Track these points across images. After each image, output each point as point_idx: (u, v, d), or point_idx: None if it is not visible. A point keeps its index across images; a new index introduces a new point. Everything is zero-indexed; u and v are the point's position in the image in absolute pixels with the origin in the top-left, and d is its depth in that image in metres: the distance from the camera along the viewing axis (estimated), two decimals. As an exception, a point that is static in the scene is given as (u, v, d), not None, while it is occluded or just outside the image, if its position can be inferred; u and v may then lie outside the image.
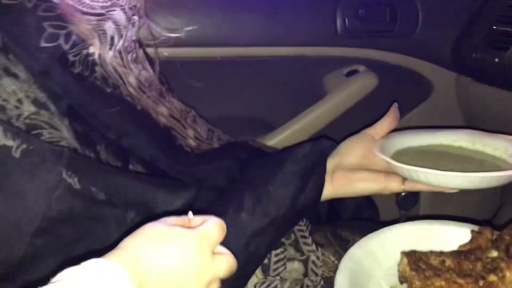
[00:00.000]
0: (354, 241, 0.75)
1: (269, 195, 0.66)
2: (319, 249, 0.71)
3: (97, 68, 0.65)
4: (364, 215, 0.89)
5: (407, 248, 0.68)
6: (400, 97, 0.90)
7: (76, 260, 0.43)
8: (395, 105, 0.80)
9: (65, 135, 0.56)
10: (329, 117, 1.12)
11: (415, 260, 0.63)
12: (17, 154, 0.50)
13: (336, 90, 1.13)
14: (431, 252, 0.65)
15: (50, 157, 0.51)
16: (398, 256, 0.67)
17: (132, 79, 0.71)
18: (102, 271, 0.42)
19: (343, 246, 0.74)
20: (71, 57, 0.61)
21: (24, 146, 0.50)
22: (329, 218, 0.87)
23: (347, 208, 0.88)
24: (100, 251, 0.46)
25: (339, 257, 0.73)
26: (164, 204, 0.63)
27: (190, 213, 0.51)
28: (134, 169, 0.65)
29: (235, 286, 0.60)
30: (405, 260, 0.64)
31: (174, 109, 0.80)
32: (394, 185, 0.72)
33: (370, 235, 0.70)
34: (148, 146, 0.67)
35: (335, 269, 0.71)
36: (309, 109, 1.12)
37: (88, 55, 0.63)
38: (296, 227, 0.72)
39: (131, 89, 0.70)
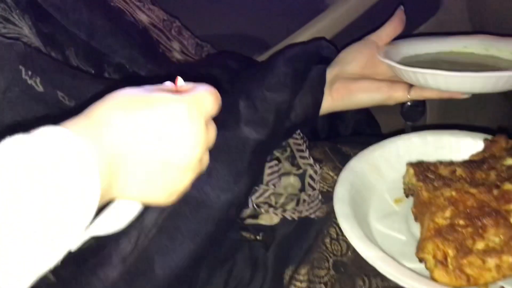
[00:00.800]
0: (355, 155, 0.69)
1: (264, 100, 0.60)
2: (317, 164, 0.65)
3: None
4: (366, 132, 0.83)
5: (414, 160, 0.63)
6: (405, 12, 0.82)
7: None
8: (401, 8, 0.72)
9: (26, 32, 0.49)
10: (329, 33, 1.03)
11: (423, 170, 0.57)
12: None
13: (336, 4, 1.03)
14: (440, 162, 0.59)
15: (5, 53, 0.44)
16: (403, 169, 0.61)
17: None
18: (56, 142, 0.32)
19: (343, 161, 0.68)
20: None
21: None
22: (328, 135, 0.81)
23: (347, 125, 0.81)
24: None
25: (339, 173, 0.67)
26: None
27: (180, 78, 0.42)
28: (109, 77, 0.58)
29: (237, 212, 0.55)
30: (412, 171, 0.58)
31: (155, 17, 0.72)
32: (399, 94, 0.65)
33: (372, 147, 0.64)
34: (125, 48, 0.60)
35: (334, 184, 0.66)
36: (307, 25, 1.02)
37: None
38: (292, 140, 0.65)
39: None
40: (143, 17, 0.70)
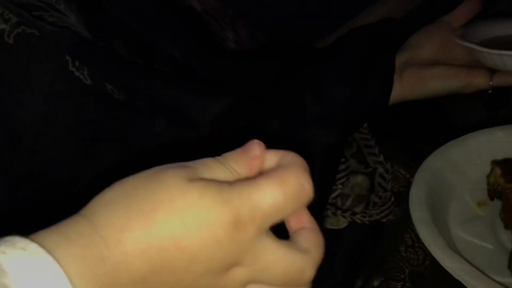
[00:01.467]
0: (429, 153, 0.62)
1: (332, 95, 0.54)
2: (388, 161, 0.58)
3: None
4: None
5: (498, 157, 0.55)
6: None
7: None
8: None
9: (73, 21, 0.45)
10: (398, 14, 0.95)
11: (511, 169, 0.50)
12: (10, 40, 0.40)
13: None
14: None
15: (52, 43, 0.41)
16: (486, 167, 0.54)
17: None
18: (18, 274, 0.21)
19: (416, 157, 0.61)
20: None
21: (19, 30, 0.40)
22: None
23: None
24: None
25: (411, 171, 0.60)
26: (199, 110, 0.52)
27: (257, 143, 0.28)
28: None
29: None
30: (499, 171, 0.51)
31: (207, 5, 0.68)
32: (479, 81, 0.57)
33: (451, 143, 0.56)
34: (178, 36, 0.56)
35: (406, 184, 0.59)
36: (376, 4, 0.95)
37: None
38: (358, 135, 0.59)
39: None
40: (195, 4, 0.65)
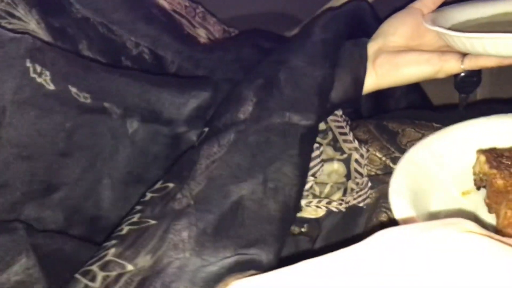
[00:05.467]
0: (404, 133, 0.61)
1: (305, 75, 0.52)
2: (363, 146, 0.57)
3: None
4: (412, 102, 0.74)
5: (485, 147, 0.52)
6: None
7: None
8: None
9: (33, 27, 0.44)
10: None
11: (496, 156, 0.48)
12: None
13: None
14: None
15: (11, 50, 0.39)
16: (472, 158, 0.51)
17: None
18: None
19: (391, 139, 0.60)
20: None
21: None
22: (372, 112, 0.72)
23: (390, 96, 0.73)
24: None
25: (387, 153, 0.59)
26: (173, 106, 0.51)
27: None
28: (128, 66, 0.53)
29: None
30: (483, 158, 0.48)
31: (176, 4, 0.66)
32: (451, 65, 0.55)
33: (436, 134, 0.54)
34: (148, 25, 0.54)
35: (383, 167, 0.58)
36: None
37: None
38: (333, 124, 0.58)
39: None
40: (164, 4, 0.64)
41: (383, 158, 0.58)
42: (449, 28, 0.59)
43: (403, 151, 0.59)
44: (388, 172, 0.56)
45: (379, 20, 0.68)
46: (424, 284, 0.25)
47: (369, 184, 0.53)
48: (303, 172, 0.46)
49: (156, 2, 0.61)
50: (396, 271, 0.26)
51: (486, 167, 0.47)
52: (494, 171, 0.45)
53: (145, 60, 0.54)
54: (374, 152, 0.59)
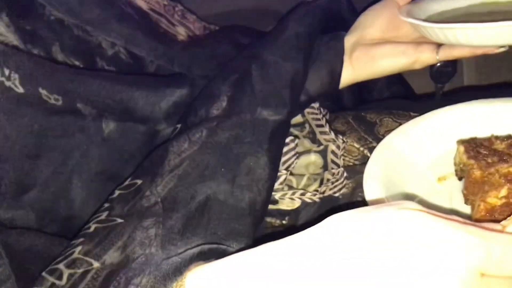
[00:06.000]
0: (382, 122, 0.61)
1: (278, 69, 0.53)
2: (340, 137, 0.58)
3: None
4: (395, 93, 0.74)
5: (461, 134, 0.52)
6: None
7: None
8: None
9: (2, 30, 0.44)
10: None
11: (475, 146, 0.47)
12: None
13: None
14: (496, 137, 0.49)
15: None
16: (449, 145, 0.51)
17: None
18: None
19: (369, 129, 0.60)
20: None
21: None
22: (355, 104, 0.73)
23: (372, 88, 0.73)
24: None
25: (365, 143, 0.60)
26: (147, 105, 0.51)
27: None
28: (103, 67, 0.53)
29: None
30: (462, 148, 0.48)
31: (154, 3, 0.66)
32: (426, 56, 0.56)
33: (412, 121, 0.54)
34: (121, 23, 0.53)
35: (361, 157, 0.59)
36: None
37: None
38: (310, 116, 0.58)
39: None
40: (141, 3, 0.64)
41: (361, 148, 0.59)
42: (425, 20, 0.59)
43: (380, 140, 0.59)
44: (365, 162, 0.57)
45: (356, 13, 0.69)
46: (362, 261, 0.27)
47: (345, 174, 0.53)
48: (273, 166, 0.47)
49: (131, 1, 0.61)
50: (342, 251, 0.27)
51: (464, 158, 0.47)
52: (472, 161, 0.45)
53: (122, 60, 0.54)
54: (352, 143, 0.59)
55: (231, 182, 0.44)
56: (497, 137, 0.49)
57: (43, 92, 0.43)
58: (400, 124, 0.60)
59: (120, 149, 0.49)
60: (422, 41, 0.57)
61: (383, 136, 0.59)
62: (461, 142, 0.49)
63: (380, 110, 0.63)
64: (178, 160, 0.45)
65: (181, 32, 0.70)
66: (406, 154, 0.51)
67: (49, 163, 0.43)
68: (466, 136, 0.51)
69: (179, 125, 0.51)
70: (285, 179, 0.52)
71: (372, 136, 0.59)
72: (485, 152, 0.45)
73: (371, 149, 0.59)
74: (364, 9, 0.63)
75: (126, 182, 0.45)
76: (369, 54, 0.57)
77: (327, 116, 0.61)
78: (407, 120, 0.61)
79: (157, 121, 0.52)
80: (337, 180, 0.52)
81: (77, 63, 0.50)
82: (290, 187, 0.52)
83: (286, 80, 0.52)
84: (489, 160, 0.44)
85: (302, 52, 0.55)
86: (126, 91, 0.49)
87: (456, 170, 0.49)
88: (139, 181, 0.44)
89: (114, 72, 0.52)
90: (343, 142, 0.57)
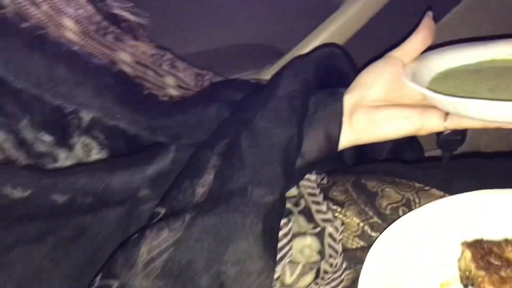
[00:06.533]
0: (384, 193, 0.56)
1: (270, 138, 0.48)
2: (339, 214, 0.53)
3: (6, 2, 0.46)
4: (406, 157, 0.68)
5: (467, 230, 0.46)
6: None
7: None
8: (429, 14, 0.55)
9: None
10: (347, 33, 0.89)
11: (484, 254, 0.42)
12: None
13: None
14: (507, 241, 0.44)
15: None
16: (450, 241, 0.46)
17: (68, 22, 0.52)
18: None
19: (370, 201, 0.55)
20: None
21: None
22: (357, 162, 0.67)
23: (381, 150, 0.67)
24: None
25: (365, 218, 0.54)
26: (125, 187, 0.47)
27: None
28: (78, 142, 0.48)
29: None
30: (468, 255, 0.43)
31: (140, 54, 0.61)
32: (433, 123, 0.50)
33: (410, 214, 0.48)
34: (96, 98, 0.49)
35: (361, 233, 0.54)
36: (322, 25, 0.89)
37: None
38: (307, 190, 0.53)
39: (69, 34, 0.52)
40: (124, 56, 0.59)
41: (361, 224, 0.54)
42: (433, 79, 0.54)
43: (382, 215, 0.55)
44: (366, 243, 0.52)
45: (355, 68, 0.64)
46: None
47: (344, 265, 0.48)
48: (268, 256, 0.42)
49: (112, 58, 0.56)
50: None
51: (472, 266, 0.41)
52: (482, 273, 0.40)
53: (96, 130, 0.50)
54: (351, 217, 0.54)
55: (216, 278, 0.39)
56: (508, 242, 0.43)
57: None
58: (403, 196, 0.56)
59: (94, 240, 0.45)
60: (429, 105, 0.52)
61: (385, 210, 0.55)
62: (467, 245, 0.43)
63: (382, 177, 0.58)
64: (152, 256, 0.41)
65: (170, 83, 0.65)
66: (406, 253, 0.46)
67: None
68: (472, 231, 0.46)
69: (158, 209, 0.46)
70: (278, 277, 0.47)
71: (373, 209, 0.54)
72: (497, 262, 0.40)
73: (371, 225, 0.54)
74: (365, 65, 0.57)
75: (97, 283, 0.40)
76: (370, 117, 0.52)
77: (325, 181, 0.55)
78: (410, 191, 0.56)
79: (135, 200, 0.48)
80: (335, 273, 0.47)
81: (48, 138, 0.45)
82: (283, 285, 0.47)
83: (279, 151, 0.48)
84: (503, 274, 0.39)
85: (295, 114, 0.50)
86: (100, 177, 0.45)
87: (461, 277, 0.44)
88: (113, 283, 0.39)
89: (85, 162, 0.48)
90: (344, 216, 0.53)
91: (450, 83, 0.52)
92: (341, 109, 0.53)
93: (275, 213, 0.45)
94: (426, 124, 0.50)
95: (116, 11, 0.58)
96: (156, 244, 0.41)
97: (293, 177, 0.50)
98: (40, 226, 0.42)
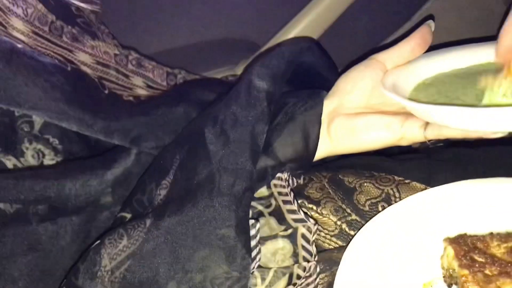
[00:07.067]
0: (362, 188, 0.53)
1: (236, 121, 0.46)
2: (315, 213, 0.50)
3: None
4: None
5: (450, 227, 0.43)
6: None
7: None
8: (430, 24, 0.51)
9: None
10: (323, 24, 0.85)
11: (467, 250, 0.39)
12: None
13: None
14: (492, 235, 0.40)
15: None
16: (435, 239, 0.43)
17: (16, 22, 0.49)
18: None
19: (347, 197, 0.52)
20: None
21: None
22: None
23: None
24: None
25: (343, 216, 0.51)
26: (80, 193, 0.44)
27: None
28: (30, 148, 0.45)
29: None
30: (451, 252, 0.40)
31: (101, 54, 0.58)
32: (413, 133, 0.47)
33: (387, 210, 0.45)
34: (48, 101, 0.45)
35: (338, 232, 0.51)
36: (296, 17, 0.85)
37: None
38: (277, 190, 0.50)
39: (18, 35, 0.48)
40: (84, 57, 0.55)
41: (338, 222, 0.51)
42: (419, 85, 0.49)
43: (360, 212, 0.51)
44: (343, 242, 0.49)
45: (336, 70, 0.60)
46: None
47: (318, 268, 0.45)
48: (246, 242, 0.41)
49: (70, 59, 0.53)
50: None
51: (455, 264, 0.38)
52: (465, 271, 0.37)
53: (52, 138, 0.47)
54: (328, 215, 0.51)
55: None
56: (493, 236, 0.40)
57: None
58: (382, 191, 0.52)
59: (50, 251, 0.42)
60: (411, 113, 0.47)
61: (363, 206, 0.52)
62: (450, 242, 0.40)
63: (360, 171, 0.54)
64: (114, 264, 0.38)
65: (138, 83, 0.62)
66: (384, 252, 0.43)
67: None
68: (455, 226, 0.43)
69: (122, 213, 0.44)
70: (257, 266, 0.44)
71: (351, 206, 0.51)
72: (481, 259, 0.37)
73: (349, 223, 0.51)
74: (346, 68, 0.53)
75: None
76: (349, 126, 0.48)
77: (300, 179, 0.52)
78: (390, 185, 0.53)
79: (92, 208, 0.45)
80: (308, 277, 0.44)
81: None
82: (253, 288, 0.44)
83: (245, 137, 0.46)
84: (487, 272, 0.36)
85: (264, 103, 0.48)
86: (51, 185, 0.41)
87: (444, 276, 0.41)
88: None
89: (36, 167, 0.45)
90: (319, 214, 0.50)
91: (434, 89, 0.48)
92: (321, 110, 0.49)
93: (246, 205, 0.43)
94: (407, 133, 0.47)
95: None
96: (116, 253, 0.39)
97: (263, 171, 0.47)
98: None
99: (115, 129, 0.49)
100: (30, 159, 0.45)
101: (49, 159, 0.47)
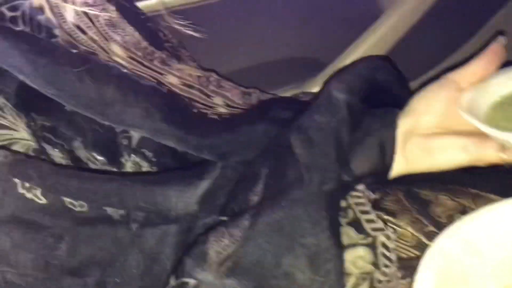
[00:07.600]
0: (438, 201, 0.54)
1: (320, 128, 0.50)
2: (392, 224, 0.51)
3: (57, 32, 0.48)
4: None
5: None
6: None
7: None
8: (500, 39, 0.50)
9: (24, 135, 0.42)
10: (389, 42, 0.87)
11: None
12: None
13: (394, 6, 0.87)
14: None
15: None
16: None
17: (116, 48, 0.54)
18: None
19: (423, 210, 0.53)
20: (5, 11, 0.45)
21: None
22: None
23: None
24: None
25: (420, 228, 0.52)
26: (181, 203, 0.48)
27: None
28: (129, 160, 0.50)
29: None
30: None
31: (186, 77, 0.63)
32: (490, 155, 0.47)
33: (467, 218, 0.45)
34: (145, 118, 0.50)
35: (416, 243, 0.52)
36: (363, 35, 0.88)
37: (32, 11, 0.47)
38: (354, 200, 0.52)
39: (119, 60, 0.54)
40: (173, 80, 0.60)
41: (416, 234, 0.52)
42: (494, 104, 0.48)
43: (437, 223, 0.53)
44: (421, 252, 0.50)
45: (407, 87, 0.61)
46: None
47: (399, 274, 0.47)
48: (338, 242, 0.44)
49: (161, 80, 0.58)
50: None
51: None
52: None
53: (148, 147, 0.51)
54: (405, 227, 0.52)
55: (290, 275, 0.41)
56: None
57: (68, 199, 0.41)
58: (459, 203, 0.53)
59: (155, 256, 0.46)
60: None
61: (440, 218, 0.53)
62: None
63: (435, 184, 0.56)
64: (223, 255, 0.42)
65: (219, 103, 0.66)
66: (462, 261, 0.43)
67: (87, 280, 0.41)
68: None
69: (217, 217, 0.47)
70: None
71: (428, 218, 0.52)
72: None
73: (428, 235, 0.52)
74: (419, 87, 0.53)
75: (174, 283, 0.42)
76: (425, 146, 0.49)
77: (376, 195, 0.54)
78: (466, 197, 0.54)
79: (187, 218, 0.48)
80: (389, 282, 0.46)
81: (100, 158, 0.47)
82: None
83: (330, 141, 0.49)
84: None
85: (343, 111, 0.50)
86: (153, 191, 0.45)
87: None
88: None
89: (139, 173, 0.49)
90: (396, 226, 0.51)
91: None
92: (396, 128, 0.51)
93: (336, 203, 0.46)
94: (483, 155, 0.47)
95: (175, 26, 0.60)
96: (223, 247, 0.42)
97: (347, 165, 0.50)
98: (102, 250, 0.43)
99: (205, 145, 0.53)
100: (129, 170, 0.50)
101: (145, 170, 0.51)
